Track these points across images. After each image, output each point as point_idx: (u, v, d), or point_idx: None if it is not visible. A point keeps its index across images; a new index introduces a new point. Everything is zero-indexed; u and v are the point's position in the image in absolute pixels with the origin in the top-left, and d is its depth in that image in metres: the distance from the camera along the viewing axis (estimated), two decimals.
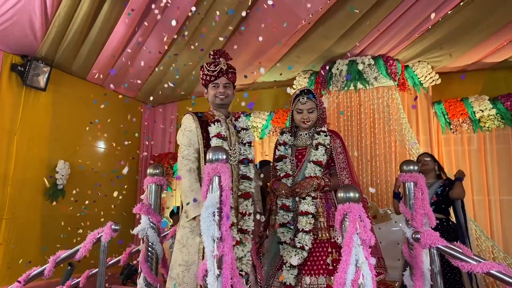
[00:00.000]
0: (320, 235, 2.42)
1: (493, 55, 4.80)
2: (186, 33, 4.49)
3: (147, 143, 6.56)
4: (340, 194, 1.71)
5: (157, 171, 2.45)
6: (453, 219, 3.62)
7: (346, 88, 5.19)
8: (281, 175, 2.59)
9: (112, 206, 5.05)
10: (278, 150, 2.66)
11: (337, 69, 5.14)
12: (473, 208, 4.86)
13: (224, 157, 1.72)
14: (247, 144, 2.40)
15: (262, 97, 5.97)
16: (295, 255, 2.36)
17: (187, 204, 2.13)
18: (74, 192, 4.78)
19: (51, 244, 4.20)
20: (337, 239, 2.35)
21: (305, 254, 2.38)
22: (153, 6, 4.02)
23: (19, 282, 2.40)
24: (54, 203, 4.80)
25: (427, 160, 3.69)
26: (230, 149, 2.32)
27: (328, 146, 2.55)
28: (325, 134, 2.58)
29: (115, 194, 4.13)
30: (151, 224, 2.34)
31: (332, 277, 2.26)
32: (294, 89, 5.44)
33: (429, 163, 3.68)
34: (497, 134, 4.94)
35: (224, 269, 1.59)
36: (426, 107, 5.20)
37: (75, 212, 4.84)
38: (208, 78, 2.39)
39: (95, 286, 2.41)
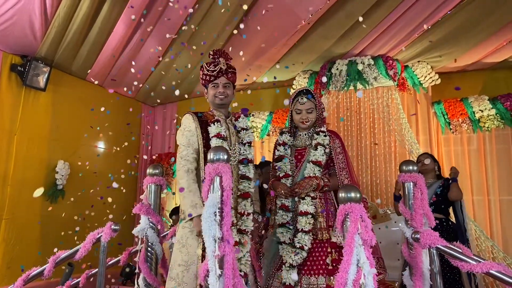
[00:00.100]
0: (319, 235, 2.43)
1: (493, 55, 4.80)
2: (185, 39, 4.50)
3: (147, 143, 6.56)
4: (341, 194, 1.71)
5: (157, 171, 2.44)
6: (453, 219, 3.62)
7: (345, 88, 5.19)
8: (281, 175, 2.59)
9: (114, 206, 5.04)
10: (278, 150, 2.66)
11: (337, 69, 5.14)
12: (472, 208, 4.85)
13: (226, 157, 1.71)
14: (247, 144, 2.40)
15: (262, 97, 5.96)
16: (294, 255, 2.36)
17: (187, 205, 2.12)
18: (78, 193, 4.80)
19: (50, 244, 4.19)
20: (337, 239, 2.35)
21: (304, 254, 2.38)
22: (153, 6, 4.02)
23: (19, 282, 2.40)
24: (50, 208, 4.79)
25: (427, 161, 3.69)
26: (230, 149, 2.32)
27: (327, 146, 2.55)
28: (324, 134, 2.58)
29: (110, 200, 4.22)
30: (151, 224, 2.34)
31: (331, 277, 2.26)
32: (294, 89, 5.44)
33: (429, 163, 3.68)
34: (497, 134, 4.94)
35: (226, 269, 1.58)
36: (425, 107, 5.20)
37: (75, 212, 4.83)
38: (207, 78, 2.39)
39: (95, 286, 2.41)
